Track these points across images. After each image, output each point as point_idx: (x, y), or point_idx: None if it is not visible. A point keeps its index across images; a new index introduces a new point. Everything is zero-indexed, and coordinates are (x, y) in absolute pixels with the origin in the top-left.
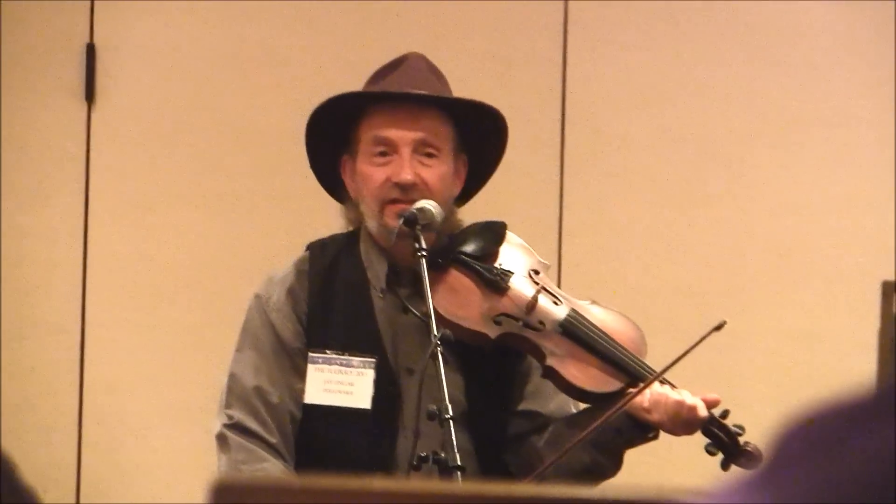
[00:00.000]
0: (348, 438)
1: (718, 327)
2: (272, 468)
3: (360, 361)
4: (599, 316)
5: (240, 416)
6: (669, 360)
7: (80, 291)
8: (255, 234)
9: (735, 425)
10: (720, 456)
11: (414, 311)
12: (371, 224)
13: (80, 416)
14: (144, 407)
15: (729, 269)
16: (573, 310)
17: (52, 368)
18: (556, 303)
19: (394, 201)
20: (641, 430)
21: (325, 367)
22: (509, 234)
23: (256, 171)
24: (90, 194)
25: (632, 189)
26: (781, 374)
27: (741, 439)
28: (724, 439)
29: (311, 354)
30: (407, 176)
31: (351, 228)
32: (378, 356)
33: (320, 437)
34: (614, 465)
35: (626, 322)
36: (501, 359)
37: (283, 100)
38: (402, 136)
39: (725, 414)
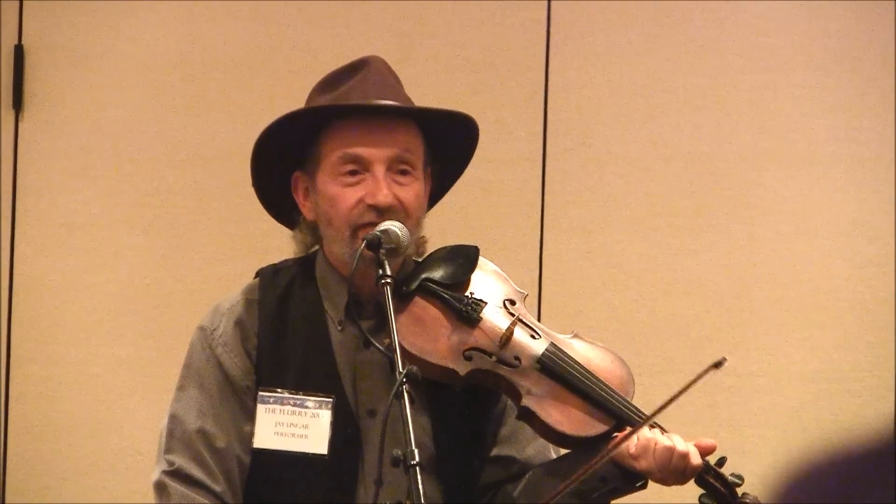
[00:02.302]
0: (302, 487)
1: (717, 365)
2: None
3: (316, 401)
4: (582, 351)
5: (181, 461)
6: (661, 401)
7: (4, 320)
8: (199, 259)
9: (733, 474)
10: None
11: (376, 344)
12: (340, 250)
13: (3, 462)
14: (74, 453)
15: (729, 299)
16: (553, 344)
17: None
18: (533, 336)
19: (368, 225)
20: (628, 478)
21: (277, 407)
22: (482, 260)
23: (202, 189)
24: (17, 212)
25: (621, 209)
26: (787, 417)
27: (739, 490)
28: (720, 490)
29: (261, 394)
30: (385, 199)
31: (304, 253)
32: (336, 395)
33: (271, 485)
34: None
35: (613, 358)
36: (473, 399)
37: (234, 110)
38: (376, 153)
39: (722, 462)
